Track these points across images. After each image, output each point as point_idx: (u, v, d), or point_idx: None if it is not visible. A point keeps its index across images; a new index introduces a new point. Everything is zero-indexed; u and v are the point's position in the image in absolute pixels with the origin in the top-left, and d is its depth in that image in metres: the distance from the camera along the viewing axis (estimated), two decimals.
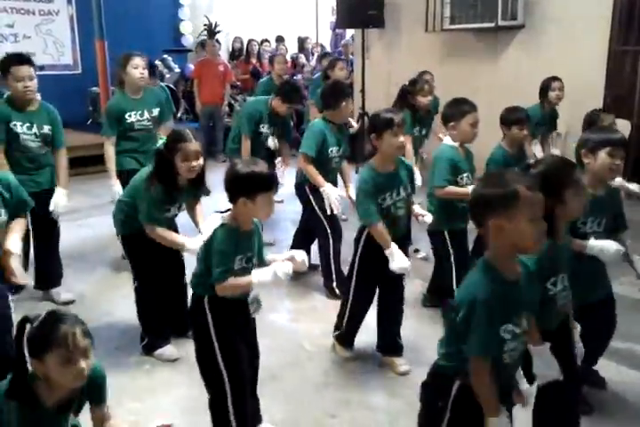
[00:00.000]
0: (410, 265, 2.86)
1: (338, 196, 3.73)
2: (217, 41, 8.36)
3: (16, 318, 2.05)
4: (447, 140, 3.40)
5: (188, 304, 2.39)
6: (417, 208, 3.13)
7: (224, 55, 10.29)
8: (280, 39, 10.69)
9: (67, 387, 1.78)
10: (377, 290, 3.12)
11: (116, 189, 3.95)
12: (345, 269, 3.47)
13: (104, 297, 3.89)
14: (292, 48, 10.64)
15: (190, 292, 2.37)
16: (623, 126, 5.07)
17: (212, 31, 10.15)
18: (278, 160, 4.74)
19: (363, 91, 7.10)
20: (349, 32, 9.97)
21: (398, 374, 3.05)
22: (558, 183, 2.02)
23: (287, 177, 4.54)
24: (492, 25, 6.00)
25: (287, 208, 5.48)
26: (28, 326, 1.75)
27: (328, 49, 11.18)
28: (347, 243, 3.14)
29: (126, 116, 4.04)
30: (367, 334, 3.22)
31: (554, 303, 2.12)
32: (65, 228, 4.07)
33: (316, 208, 3.86)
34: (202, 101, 7.92)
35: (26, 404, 1.76)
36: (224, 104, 8.08)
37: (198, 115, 8.31)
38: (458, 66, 6.65)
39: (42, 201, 3.40)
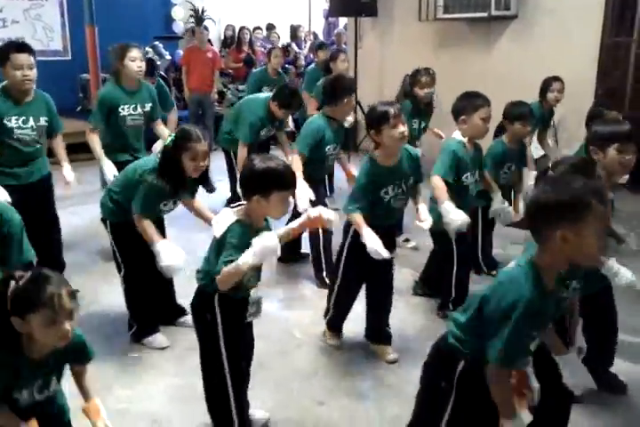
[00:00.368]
0: (384, 251, 2.71)
1: (308, 198, 3.55)
2: (205, 28, 8.26)
3: None
4: (456, 135, 3.30)
5: (192, 299, 2.33)
6: (422, 208, 3.05)
7: (216, 43, 10.20)
8: (270, 27, 10.58)
9: (49, 346, 1.78)
10: (365, 278, 3.09)
11: (108, 168, 3.77)
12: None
13: (95, 285, 3.86)
14: (284, 36, 10.53)
15: (193, 287, 2.32)
16: None
17: (199, 18, 10.05)
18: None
19: (355, 80, 7.05)
20: (342, 21, 9.90)
21: (387, 363, 3.07)
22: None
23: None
24: (486, 15, 5.99)
25: None
26: (12, 284, 1.71)
27: (321, 38, 11.10)
28: (338, 231, 3.13)
29: (119, 109, 3.94)
30: (356, 322, 3.22)
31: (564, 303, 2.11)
32: None
33: None
34: (190, 89, 7.85)
35: (9, 350, 1.75)
36: (213, 91, 8.02)
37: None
38: (451, 55, 6.63)
39: (40, 190, 3.35)
